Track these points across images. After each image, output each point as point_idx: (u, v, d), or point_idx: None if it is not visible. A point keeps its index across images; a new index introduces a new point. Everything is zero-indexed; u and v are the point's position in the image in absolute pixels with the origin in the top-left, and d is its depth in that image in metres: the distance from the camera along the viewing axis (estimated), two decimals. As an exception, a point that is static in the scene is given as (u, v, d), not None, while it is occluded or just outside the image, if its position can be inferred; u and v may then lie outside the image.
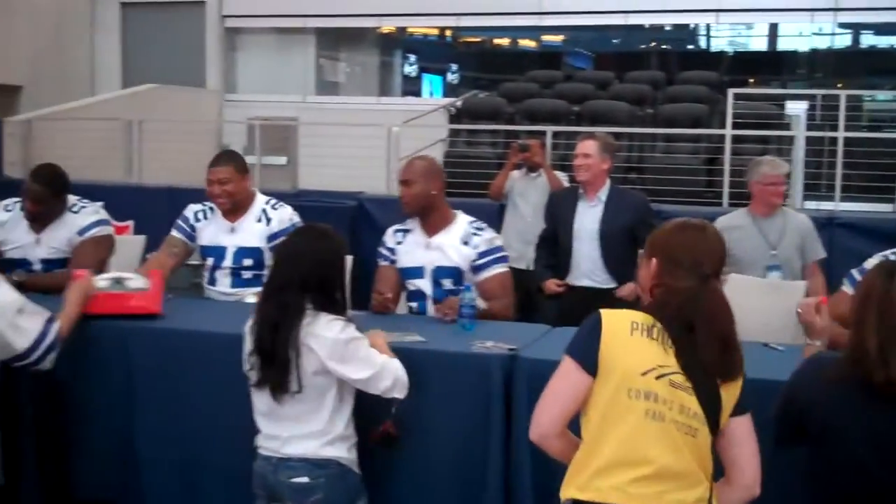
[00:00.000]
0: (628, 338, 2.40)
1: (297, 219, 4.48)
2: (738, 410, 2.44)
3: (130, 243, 5.64)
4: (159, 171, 11.36)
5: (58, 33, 16.99)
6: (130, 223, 7.88)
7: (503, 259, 4.24)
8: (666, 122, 11.41)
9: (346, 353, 3.03)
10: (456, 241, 4.21)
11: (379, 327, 3.39)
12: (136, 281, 3.87)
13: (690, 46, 20.20)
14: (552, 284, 5.47)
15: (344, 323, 3.07)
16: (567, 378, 2.45)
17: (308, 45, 16.72)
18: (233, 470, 3.46)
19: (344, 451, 3.10)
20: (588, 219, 5.41)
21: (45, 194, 4.42)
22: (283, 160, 12.40)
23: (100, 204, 4.62)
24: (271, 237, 4.40)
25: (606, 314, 2.45)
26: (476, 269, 4.16)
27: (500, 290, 4.16)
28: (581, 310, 5.04)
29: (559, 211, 5.55)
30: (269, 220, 4.46)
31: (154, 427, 3.67)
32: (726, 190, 9.53)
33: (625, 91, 12.82)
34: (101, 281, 3.82)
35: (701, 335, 2.37)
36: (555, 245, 5.55)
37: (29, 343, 3.25)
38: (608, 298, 5.14)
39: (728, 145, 9.86)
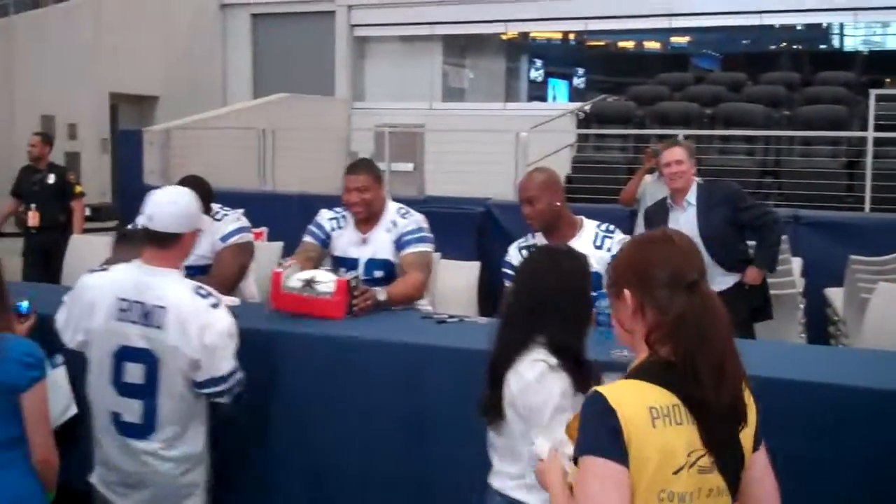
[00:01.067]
0: (652, 432, 1.88)
1: (425, 225, 4.46)
2: (757, 442, 2.06)
3: (268, 249, 5.74)
4: (290, 179, 11.59)
5: (191, 45, 17.57)
6: (265, 229, 8.04)
7: None
8: (803, 125, 11.06)
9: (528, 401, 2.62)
10: (589, 247, 4.11)
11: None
12: (325, 285, 3.92)
13: (823, 46, 19.59)
14: None
15: (548, 369, 2.62)
16: (605, 482, 1.86)
17: (434, 52, 16.87)
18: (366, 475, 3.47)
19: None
20: (683, 225, 5.20)
21: None
22: (409, 167, 12.49)
23: (241, 211, 4.69)
24: (397, 240, 4.39)
25: (615, 399, 1.89)
26: None
27: None
28: None
29: (655, 224, 5.35)
30: (395, 225, 4.46)
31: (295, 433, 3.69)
32: (868, 195, 9.16)
33: (759, 93, 12.48)
34: (294, 281, 3.88)
35: (703, 368, 1.90)
36: None
37: (228, 370, 3.16)
38: (728, 299, 5.00)
39: (870, 148, 9.47)
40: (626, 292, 2.00)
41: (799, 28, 18.35)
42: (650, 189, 7.23)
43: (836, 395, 3.00)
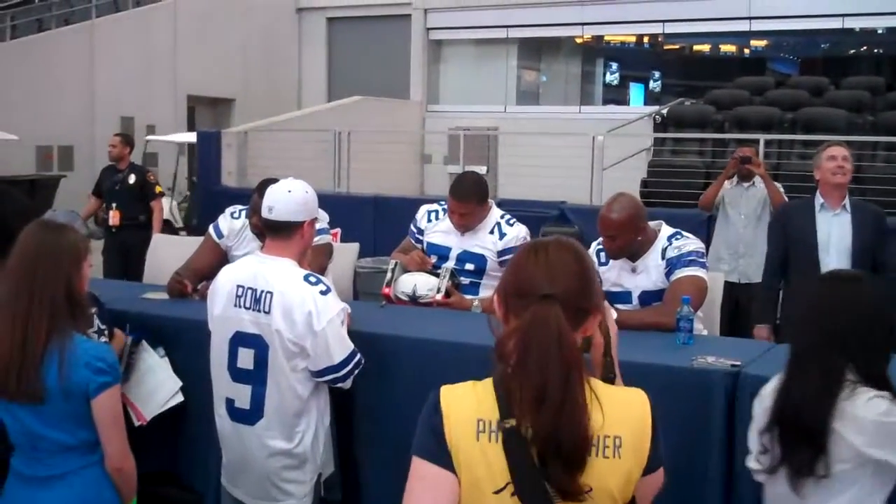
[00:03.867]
0: (475, 444, 1.79)
1: (529, 237, 4.46)
2: (646, 471, 1.85)
3: (346, 251, 5.76)
4: (363, 181, 11.68)
5: (267, 48, 17.80)
6: (338, 230, 8.10)
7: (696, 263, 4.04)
8: (887, 130, 10.78)
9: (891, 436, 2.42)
10: (659, 259, 4.06)
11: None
12: (426, 297, 4.29)
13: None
14: (766, 333, 5.04)
15: (889, 402, 2.43)
16: (433, 486, 1.81)
17: (509, 55, 16.85)
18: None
19: None
20: (835, 229, 5.04)
21: None
22: (482, 170, 12.49)
23: (324, 213, 4.72)
24: (502, 252, 4.40)
25: (447, 403, 1.82)
26: (668, 275, 4.02)
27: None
28: None
29: (795, 224, 5.14)
30: (502, 234, 4.47)
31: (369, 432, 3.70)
32: (956, 201, 8.89)
33: (841, 97, 12.22)
34: (401, 294, 4.32)
35: (524, 385, 1.75)
36: (784, 271, 5.14)
37: (345, 355, 3.19)
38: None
39: (958, 154, 9.22)
40: (496, 298, 1.92)
41: (880, 31, 17.94)
42: (728, 194, 7.12)
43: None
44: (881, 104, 12.07)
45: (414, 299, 4.31)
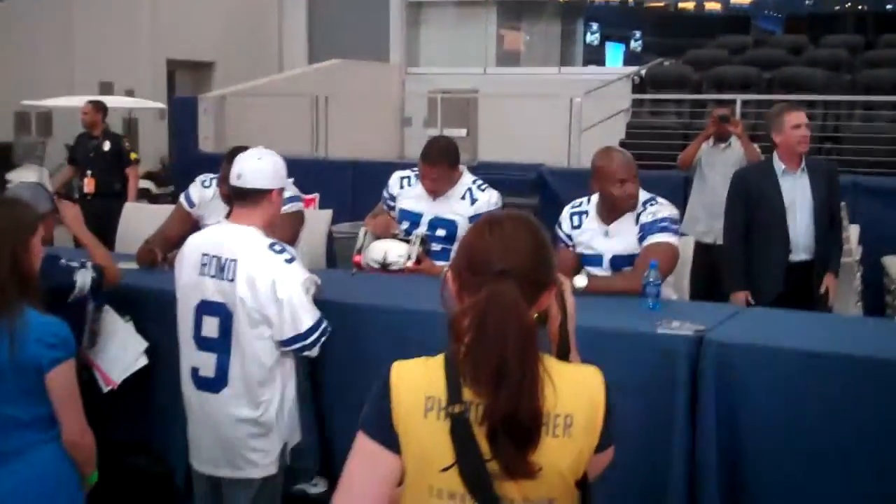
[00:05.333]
0: (422, 422, 1.77)
1: (500, 203, 4.47)
2: (597, 449, 1.83)
3: (320, 217, 5.76)
4: (343, 145, 11.62)
5: (248, 10, 17.61)
6: (316, 196, 8.08)
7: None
8: (865, 89, 10.78)
9: None
10: (633, 225, 4.08)
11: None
12: (396, 264, 4.28)
13: (889, 7, 19.10)
14: (744, 299, 5.05)
15: None
16: (373, 462, 1.81)
17: (489, 16, 16.71)
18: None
19: None
20: (798, 192, 5.05)
21: None
22: (462, 132, 12.43)
23: (290, 180, 4.71)
24: (473, 218, 4.40)
25: (396, 380, 1.80)
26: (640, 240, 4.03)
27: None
28: (804, 286, 4.92)
29: (757, 190, 5.13)
30: (474, 199, 4.47)
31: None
32: (932, 161, 8.94)
33: (820, 56, 12.19)
34: (372, 262, 4.32)
35: (480, 363, 1.74)
36: (747, 235, 5.15)
37: (311, 323, 3.19)
38: (816, 268, 5.00)
39: (935, 113, 9.23)
40: (449, 273, 1.90)
41: (865, -12, 17.94)
42: (705, 156, 7.13)
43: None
44: (859, 63, 12.05)
45: (385, 266, 4.32)
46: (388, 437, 1.79)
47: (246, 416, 3.19)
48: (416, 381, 1.80)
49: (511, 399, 1.71)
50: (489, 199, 4.47)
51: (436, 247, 4.46)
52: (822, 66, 11.59)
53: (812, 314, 3.92)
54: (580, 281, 3.89)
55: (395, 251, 4.33)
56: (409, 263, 4.29)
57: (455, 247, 4.37)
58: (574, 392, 1.81)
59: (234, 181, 3.29)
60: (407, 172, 4.70)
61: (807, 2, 18.90)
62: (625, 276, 3.97)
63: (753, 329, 3.39)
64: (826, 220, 5.01)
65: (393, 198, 4.67)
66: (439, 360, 1.82)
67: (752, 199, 5.12)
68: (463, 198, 4.49)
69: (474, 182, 4.55)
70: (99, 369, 3.72)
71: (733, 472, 3.07)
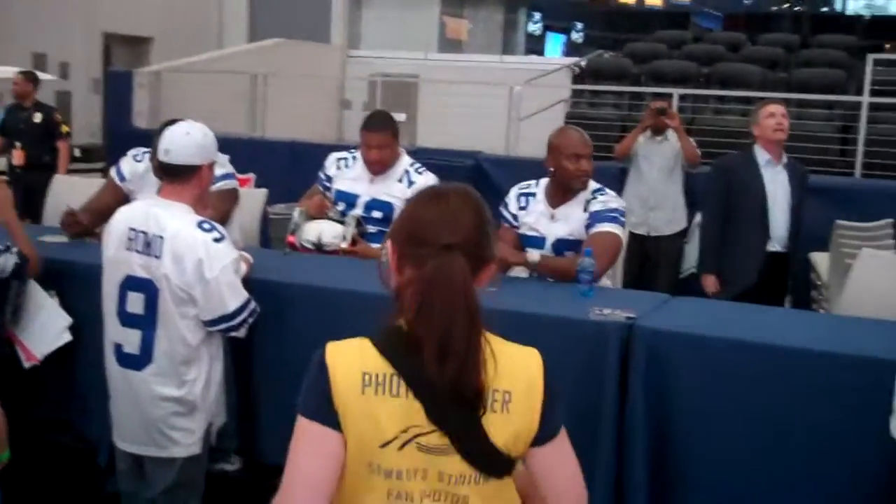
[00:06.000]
0: (360, 398, 1.75)
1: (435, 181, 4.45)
2: (539, 440, 1.82)
3: (254, 196, 5.70)
4: (281, 125, 11.50)
5: (187, -14, 17.34)
6: (252, 176, 7.98)
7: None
8: (799, 87, 10.97)
9: None
10: (580, 211, 4.09)
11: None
12: (331, 245, 4.24)
13: (825, 9, 19.49)
14: (712, 285, 5.26)
15: None
16: (316, 446, 1.77)
17: (432, 2, 16.68)
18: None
19: None
20: (779, 185, 5.23)
21: None
22: (402, 117, 12.40)
23: (226, 157, 4.65)
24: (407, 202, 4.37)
25: (332, 359, 1.78)
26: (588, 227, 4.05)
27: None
28: (771, 275, 5.11)
29: (741, 178, 5.27)
30: (411, 182, 4.42)
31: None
32: (860, 160, 9.13)
33: (757, 54, 12.39)
34: (307, 242, 4.26)
35: (427, 337, 1.73)
36: (726, 224, 5.31)
37: (238, 304, 3.15)
38: (788, 262, 5.26)
39: (864, 113, 9.42)
40: (388, 244, 1.86)
41: (802, -11, 18.25)
42: (642, 148, 7.18)
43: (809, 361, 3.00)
44: (795, 62, 12.27)
45: (319, 247, 4.28)
46: (329, 416, 1.76)
47: (170, 394, 3.14)
48: (352, 359, 1.78)
49: (455, 374, 1.71)
50: (426, 182, 4.43)
51: (371, 229, 4.43)
52: (759, 64, 11.77)
53: (741, 305, 3.97)
54: (534, 256, 3.93)
55: (329, 232, 4.29)
56: (344, 245, 4.26)
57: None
58: (513, 369, 1.80)
59: (161, 157, 3.21)
60: (344, 154, 4.66)
61: (745, 1, 19.18)
62: (573, 260, 3.98)
63: (684, 317, 3.42)
64: (799, 217, 5.23)
65: (329, 179, 4.62)
66: (368, 340, 1.79)
67: (734, 188, 5.28)
68: (400, 180, 4.46)
69: (412, 165, 4.52)
70: (21, 345, 3.64)
71: (662, 457, 3.10)
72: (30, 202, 7.66)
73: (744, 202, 5.23)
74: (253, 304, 3.22)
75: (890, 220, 6.39)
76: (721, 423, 3.05)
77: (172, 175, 3.20)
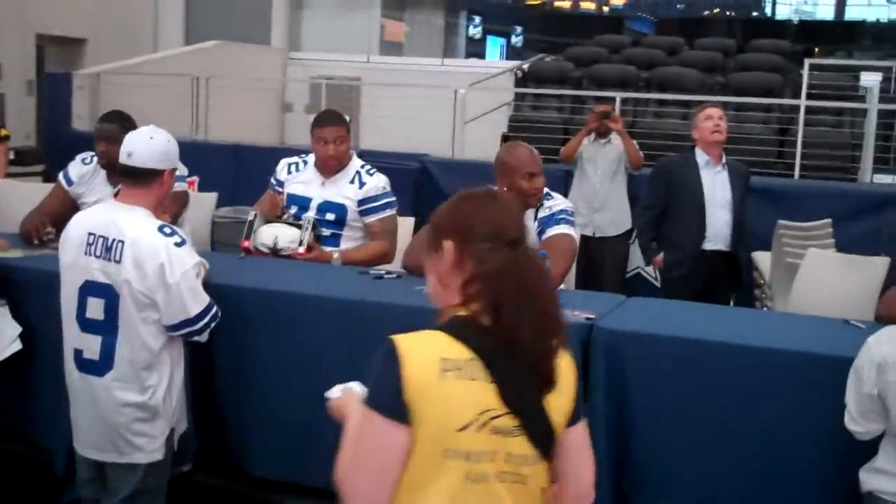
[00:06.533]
0: (439, 384, 1.82)
1: (388, 187, 4.44)
2: (571, 420, 1.97)
3: (204, 200, 5.65)
4: (222, 128, 11.39)
5: (122, -14, 17.08)
6: (195, 179, 7.91)
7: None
8: (737, 91, 11.17)
9: None
10: (531, 221, 4.09)
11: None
12: (287, 249, 4.24)
13: (755, 14, 19.87)
14: (661, 260, 5.55)
15: None
16: (380, 438, 1.84)
17: (373, 4, 16.64)
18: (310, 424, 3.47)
19: None
20: (718, 185, 5.37)
21: (117, 131, 4.37)
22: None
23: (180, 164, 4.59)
24: (362, 202, 4.36)
25: (407, 347, 1.84)
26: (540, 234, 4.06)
27: None
28: (716, 274, 5.26)
29: (680, 178, 5.43)
30: (362, 183, 4.41)
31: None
32: (798, 161, 9.33)
33: (694, 58, 12.58)
34: (262, 246, 4.29)
35: (510, 315, 1.86)
36: (660, 216, 5.54)
37: (200, 308, 3.13)
38: (733, 261, 5.38)
39: (802, 116, 9.63)
40: (447, 243, 1.95)
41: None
42: (587, 151, 7.27)
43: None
44: (732, 66, 12.48)
45: (275, 252, 4.26)
46: (396, 409, 1.82)
47: (132, 400, 3.11)
48: (428, 346, 1.86)
49: (536, 355, 1.88)
50: (377, 182, 4.44)
51: (325, 232, 4.41)
52: (696, 68, 11.96)
53: (696, 304, 4.05)
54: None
55: (286, 237, 4.27)
56: (301, 249, 4.24)
57: (345, 231, 4.39)
58: (561, 359, 1.95)
59: (123, 159, 3.19)
60: (294, 159, 4.62)
61: (678, 5, 19.48)
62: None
63: (641, 317, 3.48)
64: (741, 216, 5.36)
65: (281, 183, 4.58)
66: (436, 331, 1.89)
67: (673, 187, 5.45)
68: (352, 182, 4.44)
69: (363, 167, 4.51)
70: None
71: (623, 455, 3.15)
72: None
73: (682, 202, 5.40)
74: (215, 309, 3.21)
75: (829, 220, 6.53)
76: (680, 418, 3.11)
77: (133, 178, 3.18)
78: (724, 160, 5.42)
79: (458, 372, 1.84)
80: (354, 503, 1.86)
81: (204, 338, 3.23)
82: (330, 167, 4.43)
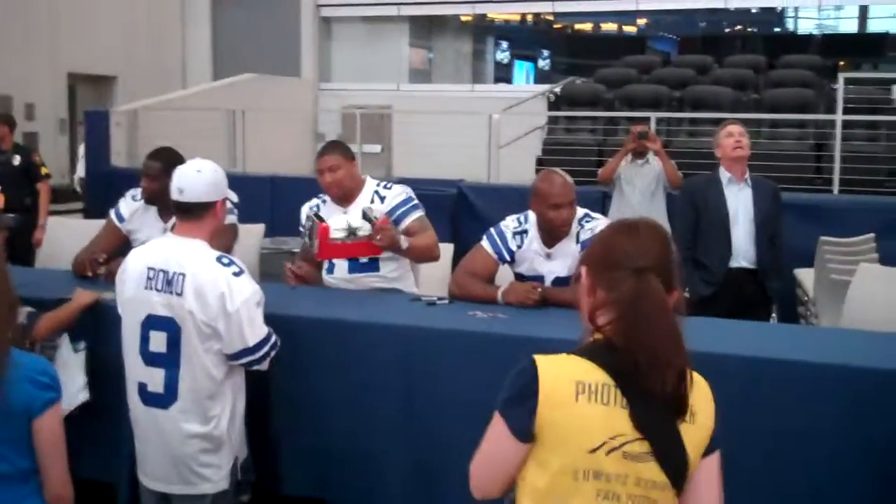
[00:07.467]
0: (573, 405, 1.90)
1: (410, 192, 4.43)
2: (709, 449, 1.98)
3: (251, 231, 5.68)
4: (257, 160, 11.49)
5: (150, 24, 17.32)
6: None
7: None
8: (770, 108, 11.14)
9: None
10: (573, 244, 4.08)
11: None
12: (363, 230, 4.15)
13: (777, 29, 19.80)
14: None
15: None
16: (500, 443, 1.97)
17: (401, 33, 16.78)
18: (367, 456, 3.48)
19: None
20: (742, 202, 5.33)
21: (159, 169, 4.43)
22: (377, 148, 12.43)
23: (231, 192, 4.61)
24: (390, 213, 4.33)
25: (545, 369, 1.93)
26: None
27: None
28: (740, 290, 5.19)
29: (704, 197, 5.41)
30: (382, 198, 4.40)
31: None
32: (837, 176, 9.27)
33: (725, 76, 12.56)
34: (337, 233, 4.11)
35: (633, 342, 1.90)
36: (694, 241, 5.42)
37: (260, 338, 3.16)
38: (759, 277, 5.29)
39: (839, 130, 9.58)
40: (583, 269, 2.05)
41: (754, 11, 18.54)
42: (624, 171, 7.26)
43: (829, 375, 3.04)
44: (764, 82, 12.44)
45: (352, 233, 4.17)
46: (522, 426, 1.93)
47: (197, 431, 3.13)
48: (565, 368, 1.94)
49: (669, 382, 1.89)
50: (397, 191, 4.40)
51: (363, 259, 4.38)
52: (728, 85, 11.93)
53: (749, 323, 4.03)
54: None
55: (355, 219, 4.20)
56: (379, 219, 4.16)
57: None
58: (696, 386, 1.96)
59: (175, 196, 3.23)
60: (313, 201, 4.58)
61: (700, 24, 19.47)
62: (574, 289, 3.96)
63: (696, 337, 3.45)
64: (769, 234, 5.28)
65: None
66: (574, 355, 1.95)
67: (699, 207, 5.39)
68: (372, 201, 4.42)
69: (378, 184, 4.48)
70: None
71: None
72: (13, 247, 7.58)
73: (707, 221, 5.36)
74: (274, 338, 3.24)
75: (872, 235, 6.48)
76: (742, 441, 3.08)
77: (187, 213, 3.23)
78: (747, 176, 5.39)
79: (593, 395, 1.90)
80: (472, 486, 2.04)
81: (265, 366, 3.25)
82: (334, 195, 4.40)
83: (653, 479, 1.92)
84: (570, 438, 1.91)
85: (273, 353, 3.25)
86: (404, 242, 4.18)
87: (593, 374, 1.91)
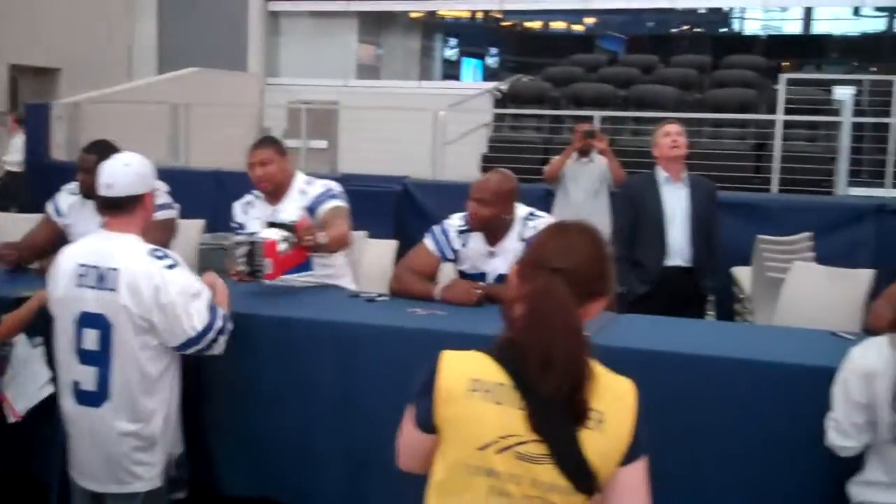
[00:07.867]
0: (465, 402, 1.92)
1: (333, 185, 4.38)
2: (627, 458, 1.92)
3: (191, 227, 5.61)
4: (202, 155, 11.38)
5: (94, 16, 17.08)
6: (177, 206, 7.87)
7: None
8: (713, 107, 11.28)
9: None
10: (516, 242, 4.10)
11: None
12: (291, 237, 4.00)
13: (723, 30, 20.05)
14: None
15: None
16: (409, 432, 2.03)
17: (350, 28, 16.72)
18: (302, 451, 3.47)
19: None
20: (678, 202, 5.36)
21: (94, 162, 4.35)
22: (323, 144, 12.37)
23: (165, 187, 4.58)
24: (309, 207, 4.31)
25: (446, 364, 1.96)
26: None
27: None
28: (675, 289, 5.18)
29: (642, 197, 5.44)
30: (305, 193, 4.38)
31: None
32: (776, 176, 9.42)
33: (670, 75, 12.70)
34: (281, 245, 3.91)
35: (533, 349, 1.88)
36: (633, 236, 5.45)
37: (203, 325, 3.13)
38: (695, 275, 5.30)
39: (779, 130, 9.73)
40: (515, 265, 2.06)
41: (701, 11, 18.75)
42: (569, 170, 7.31)
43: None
44: (708, 82, 12.60)
45: (286, 239, 4.07)
46: (425, 418, 1.97)
47: (129, 429, 3.10)
48: (463, 366, 1.96)
49: (557, 383, 1.86)
50: (320, 185, 4.39)
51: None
52: (673, 85, 12.07)
53: (688, 320, 4.08)
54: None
55: (276, 232, 4.14)
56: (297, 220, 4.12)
57: None
58: (610, 392, 1.93)
59: (104, 192, 3.17)
60: (245, 198, 4.54)
61: (648, 23, 19.63)
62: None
63: (632, 335, 3.49)
64: (705, 233, 5.32)
65: (241, 225, 4.53)
66: (483, 352, 1.96)
67: (637, 206, 5.43)
68: (297, 200, 4.40)
69: (305, 181, 4.45)
70: (7, 401, 3.53)
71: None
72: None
73: (644, 220, 5.39)
74: (219, 323, 3.20)
75: (809, 234, 6.59)
76: (675, 435, 3.12)
77: (118, 208, 3.18)
78: (684, 176, 5.42)
79: (486, 394, 1.91)
80: (398, 463, 2.10)
81: (216, 351, 3.24)
82: (264, 189, 4.37)
83: (551, 482, 1.89)
84: (462, 434, 1.93)
85: (224, 337, 3.23)
86: (323, 238, 4.11)
87: (492, 372, 1.92)
